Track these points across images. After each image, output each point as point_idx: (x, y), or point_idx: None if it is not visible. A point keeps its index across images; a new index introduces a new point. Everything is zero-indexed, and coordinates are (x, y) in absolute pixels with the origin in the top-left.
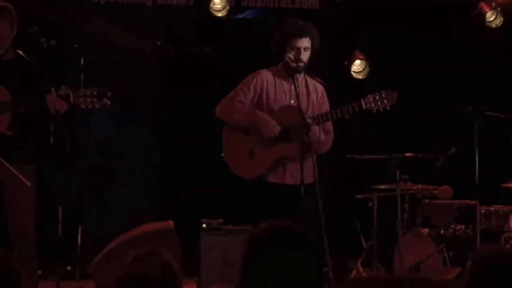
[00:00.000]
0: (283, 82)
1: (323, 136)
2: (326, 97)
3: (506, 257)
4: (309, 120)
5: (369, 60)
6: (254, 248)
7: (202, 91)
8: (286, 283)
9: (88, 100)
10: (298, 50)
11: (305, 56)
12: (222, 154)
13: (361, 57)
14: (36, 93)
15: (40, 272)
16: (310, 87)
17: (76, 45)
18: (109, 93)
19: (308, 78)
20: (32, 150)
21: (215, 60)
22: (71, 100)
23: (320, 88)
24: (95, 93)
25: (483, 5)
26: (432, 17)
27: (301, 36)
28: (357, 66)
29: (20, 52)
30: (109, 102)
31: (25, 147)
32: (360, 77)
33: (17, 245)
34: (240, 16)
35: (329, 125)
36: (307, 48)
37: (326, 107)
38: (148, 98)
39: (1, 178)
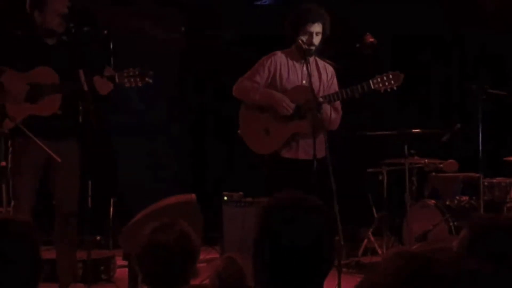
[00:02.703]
0: (296, 63)
1: (333, 114)
2: (335, 78)
3: (501, 222)
4: (321, 99)
5: (379, 43)
6: (267, 219)
7: (222, 72)
8: (298, 252)
9: (132, 79)
10: (310, 35)
11: (316, 40)
12: (239, 131)
13: (371, 40)
14: (76, 74)
15: None
16: (321, 68)
17: (105, 31)
18: (150, 72)
19: (319, 60)
20: (75, 127)
21: (236, 44)
22: (117, 80)
23: (330, 69)
24: (137, 72)
25: None
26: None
27: (314, 21)
28: (368, 48)
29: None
30: (150, 80)
31: (70, 124)
32: (370, 58)
33: (60, 216)
34: (259, 2)
35: (338, 104)
36: (319, 32)
37: (335, 87)
38: (173, 79)
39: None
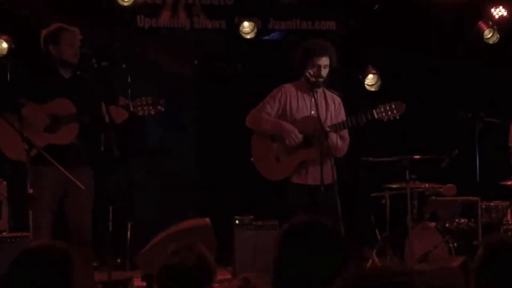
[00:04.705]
0: (304, 95)
1: (339, 142)
2: (342, 108)
3: None
4: (328, 128)
5: (381, 74)
6: (287, 241)
7: (234, 103)
8: (316, 271)
9: (145, 108)
10: (318, 67)
11: (324, 72)
12: (252, 159)
13: (373, 71)
14: (93, 106)
15: (95, 264)
16: (328, 99)
17: (124, 65)
18: (162, 101)
19: (327, 91)
20: (89, 155)
21: (245, 76)
22: (131, 109)
23: (338, 100)
24: (150, 101)
25: (481, 23)
26: (435, 31)
27: (321, 55)
28: (370, 79)
29: (78, 72)
30: (163, 109)
31: (85, 153)
32: (372, 89)
33: (76, 240)
34: (267, 37)
35: (345, 132)
36: (326, 65)
37: (342, 116)
38: (188, 110)
39: (65, 180)
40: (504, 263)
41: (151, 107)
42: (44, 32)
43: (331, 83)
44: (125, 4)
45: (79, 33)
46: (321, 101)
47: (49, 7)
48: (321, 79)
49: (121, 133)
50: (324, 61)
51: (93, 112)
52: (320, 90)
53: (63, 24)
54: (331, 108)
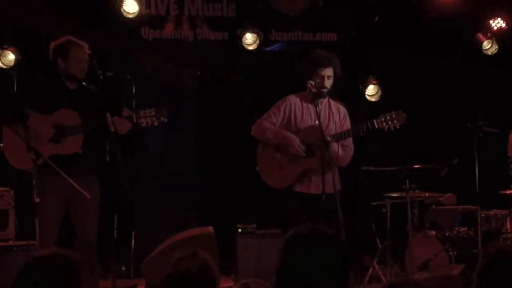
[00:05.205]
0: (309, 105)
1: (341, 151)
2: (348, 118)
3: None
4: (329, 138)
5: (381, 85)
6: (290, 247)
7: (236, 112)
8: (316, 277)
9: (148, 119)
10: (322, 78)
11: (328, 83)
12: (257, 168)
13: (374, 82)
14: (98, 116)
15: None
16: (333, 109)
17: (128, 76)
18: (165, 111)
19: (332, 101)
20: (94, 164)
21: (247, 87)
22: (134, 120)
23: (343, 110)
24: (153, 112)
25: (480, 35)
26: (435, 42)
27: (325, 66)
28: (371, 90)
29: (83, 83)
30: (165, 120)
31: (89, 161)
32: (373, 99)
33: (81, 247)
34: (269, 48)
35: (349, 141)
36: (330, 76)
37: (347, 126)
38: (190, 119)
39: (71, 189)
40: (504, 272)
41: (154, 119)
42: (53, 44)
43: (335, 93)
44: (130, 16)
45: (88, 48)
46: (325, 111)
47: (55, 19)
48: (324, 90)
49: (124, 143)
50: (328, 72)
51: (98, 122)
52: (325, 100)
53: (72, 37)
54: (336, 118)
